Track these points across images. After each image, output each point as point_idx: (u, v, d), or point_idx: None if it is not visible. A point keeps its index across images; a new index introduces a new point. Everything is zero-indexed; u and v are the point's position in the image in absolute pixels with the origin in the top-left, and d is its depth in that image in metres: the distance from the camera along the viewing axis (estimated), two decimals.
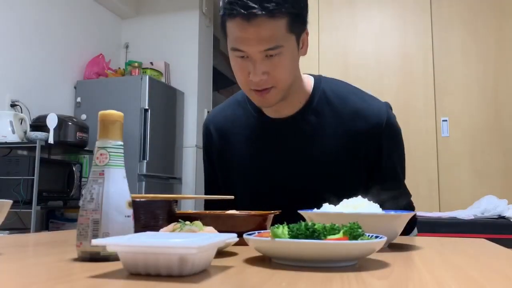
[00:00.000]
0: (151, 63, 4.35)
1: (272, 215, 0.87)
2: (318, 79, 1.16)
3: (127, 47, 4.69)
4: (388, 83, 3.33)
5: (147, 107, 3.87)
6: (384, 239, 0.61)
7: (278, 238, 0.57)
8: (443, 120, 3.23)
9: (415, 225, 1.19)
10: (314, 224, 0.59)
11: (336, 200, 0.87)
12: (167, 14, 4.63)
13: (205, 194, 1.31)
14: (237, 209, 0.98)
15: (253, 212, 0.86)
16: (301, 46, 1.05)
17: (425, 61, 3.32)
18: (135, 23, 4.71)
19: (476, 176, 3.13)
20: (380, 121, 1.09)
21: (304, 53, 1.08)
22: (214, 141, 1.23)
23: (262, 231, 0.68)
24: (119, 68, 4.37)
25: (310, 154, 1.11)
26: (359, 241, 0.57)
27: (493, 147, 3.12)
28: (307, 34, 1.07)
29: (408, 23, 3.40)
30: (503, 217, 2.64)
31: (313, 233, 0.57)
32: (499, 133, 3.13)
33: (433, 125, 3.24)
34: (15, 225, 3.15)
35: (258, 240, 0.60)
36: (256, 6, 0.93)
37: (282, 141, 1.13)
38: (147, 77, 3.94)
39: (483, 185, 3.08)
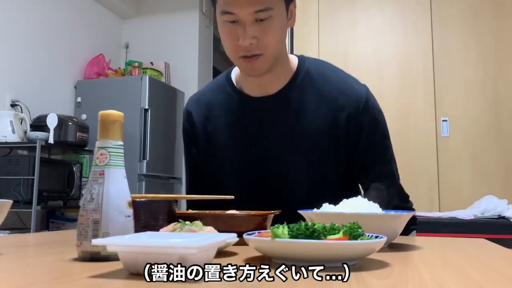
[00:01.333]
0: (151, 63, 4.35)
1: (272, 215, 0.87)
2: (301, 58, 1.17)
3: (127, 47, 4.69)
4: (388, 83, 3.33)
5: (147, 107, 3.87)
6: (384, 239, 0.61)
7: (278, 238, 0.57)
8: (443, 120, 3.23)
9: (414, 226, 1.17)
10: (314, 224, 0.59)
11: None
12: (167, 14, 4.63)
13: (188, 186, 1.27)
14: (225, 197, 0.98)
15: (253, 212, 0.86)
16: (289, 16, 1.06)
17: (425, 61, 3.32)
18: (135, 23, 4.71)
19: (476, 176, 3.13)
20: (359, 99, 1.11)
21: (292, 24, 1.09)
22: (197, 127, 1.20)
23: (262, 231, 0.68)
24: (119, 68, 4.38)
25: (294, 130, 1.11)
26: (359, 241, 0.57)
27: (493, 147, 3.12)
28: (294, 6, 1.07)
29: (408, 23, 3.40)
30: (503, 217, 2.64)
31: (313, 233, 0.57)
32: (499, 133, 3.13)
33: (433, 125, 3.24)
34: (15, 225, 3.15)
35: (258, 240, 0.60)
36: None
37: (266, 119, 1.13)
38: (147, 77, 3.94)
39: (483, 185, 3.08)
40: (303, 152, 1.11)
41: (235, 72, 1.18)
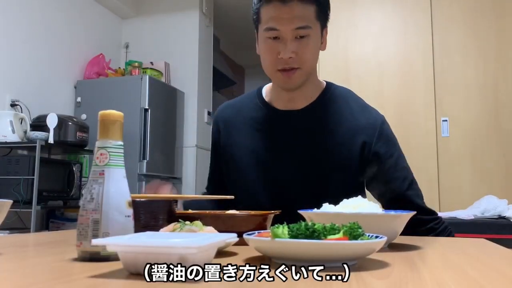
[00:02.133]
0: (151, 63, 4.35)
1: (272, 215, 0.87)
2: (329, 82, 1.27)
3: (127, 47, 4.69)
4: (388, 83, 3.33)
5: (147, 107, 3.87)
6: (384, 239, 0.61)
7: (278, 238, 0.57)
8: (443, 120, 3.23)
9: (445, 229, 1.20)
10: (314, 224, 0.59)
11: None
12: (167, 14, 4.63)
13: (207, 186, 1.37)
14: (237, 202, 1.00)
15: (253, 212, 0.86)
16: (322, 40, 1.16)
17: (425, 61, 3.31)
18: (135, 23, 4.71)
19: (476, 176, 3.13)
20: (376, 122, 1.19)
21: (323, 48, 1.19)
22: (221, 131, 1.30)
23: (262, 231, 0.68)
24: (119, 68, 4.37)
25: (313, 146, 1.17)
26: (359, 241, 0.57)
27: (493, 147, 3.12)
28: (326, 32, 1.18)
29: (408, 23, 3.40)
30: (503, 217, 2.64)
31: (313, 233, 0.57)
32: (499, 133, 3.13)
33: (433, 125, 3.24)
34: (15, 225, 3.15)
35: (258, 240, 0.60)
36: None
37: (289, 132, 1.20)
38: (147, 77, 3.94)
39: (483, 185, 3.08)
40: (321, 163, 1.16)
41: (265, 88, 1.29)
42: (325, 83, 1.26)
